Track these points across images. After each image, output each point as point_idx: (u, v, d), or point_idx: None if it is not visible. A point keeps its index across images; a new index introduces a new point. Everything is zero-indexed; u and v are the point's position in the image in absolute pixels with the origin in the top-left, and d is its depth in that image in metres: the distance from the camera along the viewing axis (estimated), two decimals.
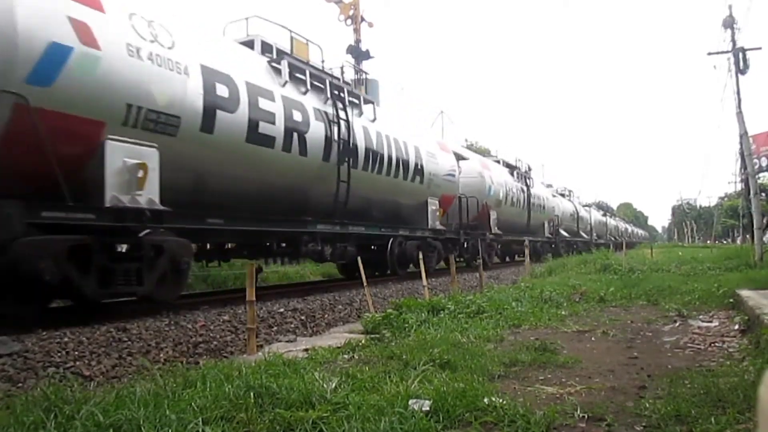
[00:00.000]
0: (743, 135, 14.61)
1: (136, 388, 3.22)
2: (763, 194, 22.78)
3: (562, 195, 34.89)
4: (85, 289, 6.06)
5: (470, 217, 17.20)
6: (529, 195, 23.78)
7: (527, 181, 24.30)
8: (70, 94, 5.88)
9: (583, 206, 40.42)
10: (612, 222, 53.04)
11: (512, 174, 22.77)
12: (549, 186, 32.62)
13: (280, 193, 9.30)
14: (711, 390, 3.18)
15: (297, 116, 9.24)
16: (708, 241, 53.99)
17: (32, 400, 3.10)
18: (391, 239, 12.40)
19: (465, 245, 16.44)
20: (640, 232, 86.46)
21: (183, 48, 7.30)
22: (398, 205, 13.07)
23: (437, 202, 14.38)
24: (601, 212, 48.45)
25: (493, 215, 19.18)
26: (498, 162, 22.57)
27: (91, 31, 6.06)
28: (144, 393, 3.11)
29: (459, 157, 16.98)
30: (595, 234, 39.61)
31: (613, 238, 45.56)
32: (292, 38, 10.16)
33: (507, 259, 25.33)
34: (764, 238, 15.24)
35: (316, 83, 10.13)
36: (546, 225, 26.98)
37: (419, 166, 13.37)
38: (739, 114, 14.66)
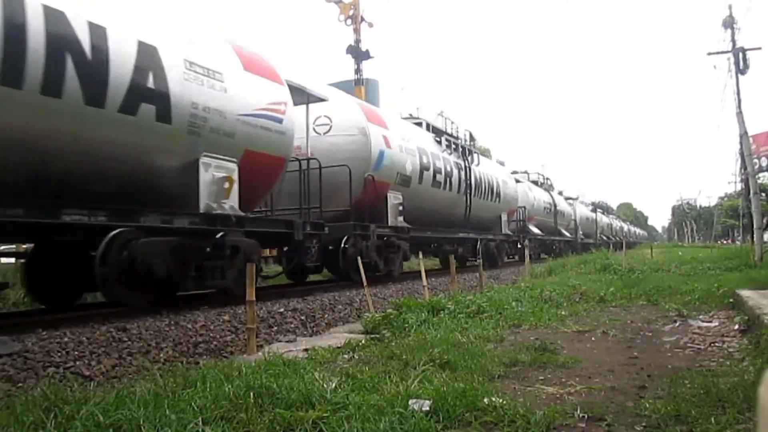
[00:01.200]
0: (743, 135, 14.62)
1: (136, 388, 3.23)
2: (763, 194, 22.80)
3: (535, 183, 28.64)
4: None
5: (337, 200, 10.79)
6: (468, 174, 16.49)
7: (467, 155, 16.91)
8: None
9: (566, 199, 34.37)
10: (605, 219, 47.32)
11: (440, 142, 15.46)
12: (515, 171, 26.35)
13: None
14: (711, 390, 3.18)
15: None
16: (708, 241, 53.91)
17: (32, 400, 3.11)
18: (114, 235, 6.18)
19: (348, 248, 10.45)
20: (639, 231, 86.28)
21: None
22: (138, 170, 6.73)
23: (233, 166, 7.70)
24: (591, 207, 42.43)
25: (395, 198, 12.47)
26: (420, 125, 15.43)
27: None
28: (144, 393, 3.11)
29: (312, 98, 10.06)
30: (581, 233, 34.58)
31: (605, 238, 41.56)
32: None
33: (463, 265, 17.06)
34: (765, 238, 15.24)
35: None
36: (504, 218, 20.31)
37: (160, 90, 6.56)
38: (739, 114, 14.67)
